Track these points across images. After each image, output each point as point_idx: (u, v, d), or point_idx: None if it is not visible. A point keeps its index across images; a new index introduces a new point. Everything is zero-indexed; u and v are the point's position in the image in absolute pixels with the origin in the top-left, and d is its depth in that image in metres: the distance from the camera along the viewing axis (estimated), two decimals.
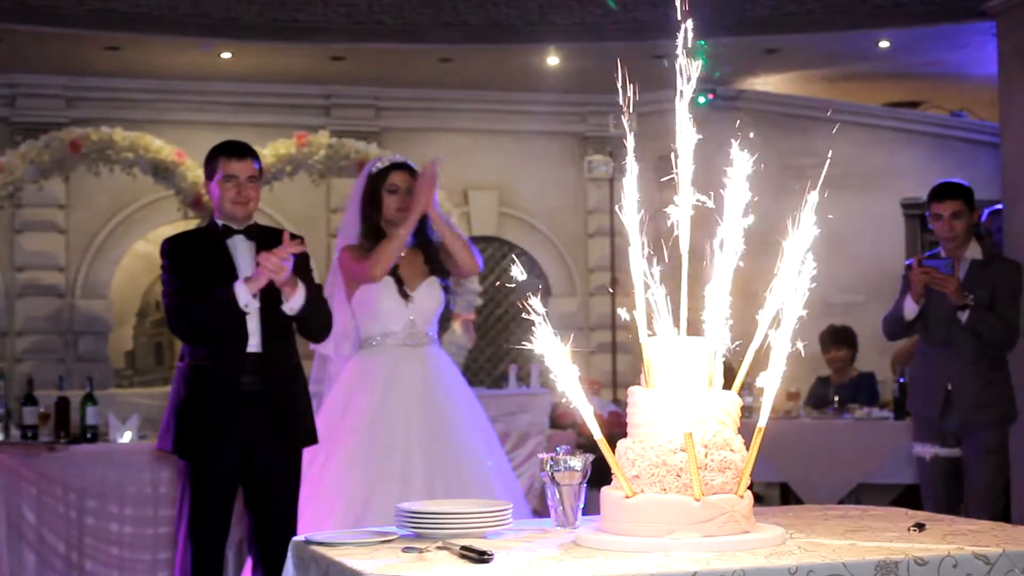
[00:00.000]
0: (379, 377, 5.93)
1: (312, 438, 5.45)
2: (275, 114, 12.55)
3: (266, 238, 5.39)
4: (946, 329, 6.30)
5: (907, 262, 6.67)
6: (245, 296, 5.18)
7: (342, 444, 5.80)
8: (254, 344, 5.27)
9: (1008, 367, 6.41)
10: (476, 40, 11.40)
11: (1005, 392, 6.38)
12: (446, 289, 6.10)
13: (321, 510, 5.63)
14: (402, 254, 6.03)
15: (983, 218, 8.04)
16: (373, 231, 6.05)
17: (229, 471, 5.25)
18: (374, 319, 5.97)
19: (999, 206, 8.34)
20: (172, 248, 5.37)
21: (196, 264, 5.29)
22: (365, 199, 6.07)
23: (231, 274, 5.25)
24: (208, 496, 5.21)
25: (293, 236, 5.30)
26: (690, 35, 3.19)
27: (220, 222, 5.40)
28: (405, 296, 5.96)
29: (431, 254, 6.08)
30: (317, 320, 5.46)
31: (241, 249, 5.35)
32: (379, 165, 6.15)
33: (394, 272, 5.98)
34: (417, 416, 5.89)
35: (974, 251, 6.38)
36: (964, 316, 6.23)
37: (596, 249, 13.65)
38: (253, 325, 5.27)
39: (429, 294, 6.04)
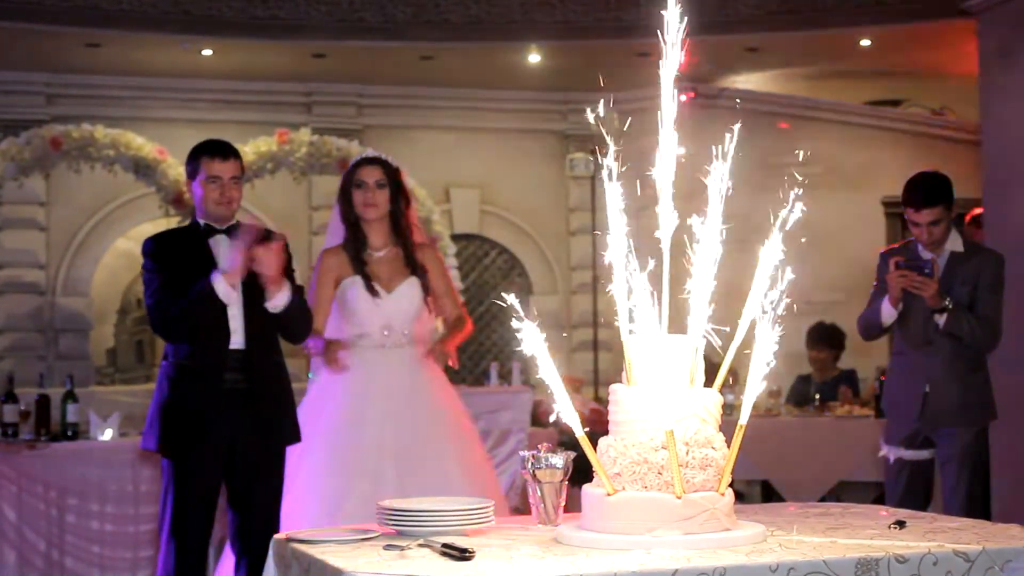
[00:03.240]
0: (353, 378, 5.88)
1: (295, 436, 5.44)
2: (256, 111, 12.54)
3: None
4: (924, 330, 6.19)
5: (882, 252, 6.55)
6: (224, 287, 5.15)
7: (316, 444, 5.77)
8: (237, 341, 5.26)
9: (987, 369, 6.34)
10: (458, 38, 11.40)
11: (984, 395, 6.26)
12: (427, 289, 6.06)
13: (294, 509, 5.61)
14: (379, 254, 6.01)
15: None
16: (350, 228, 6.03)
17: (212, 469, 5.24)
18: (349, 321, 5.93)
19: (980, 211, 8.32)
20: (154, 247, 5.33)
21: (178, 263, 5.25)
22: (340, 196, 6.05)
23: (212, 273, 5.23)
24: (191, 494, 5.20)
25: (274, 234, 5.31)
26: (672, 33, 3.20)
27: (202, 222, 5.36)
28: (374, 292, 5.91)
29: (410, 254, 6.05)
30: (298, 321, 5.44)
31: (223, 248, 5.30)
32: (353, 160, 6.15)
33: (363, 272, 5.95)
34: (391, 419, 5.84)
35: (954, 242, 6.19)
36: (942, 320, 6.11)
37: (578, 247, 13.66)
38: (236, 322, 5.25)
39: (408, 294, 6.00)
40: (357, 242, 5.99)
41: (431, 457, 5.85)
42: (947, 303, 6.05)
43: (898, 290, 6.10)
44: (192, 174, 5.37)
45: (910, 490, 6.26)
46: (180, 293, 5.18)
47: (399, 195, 6.02)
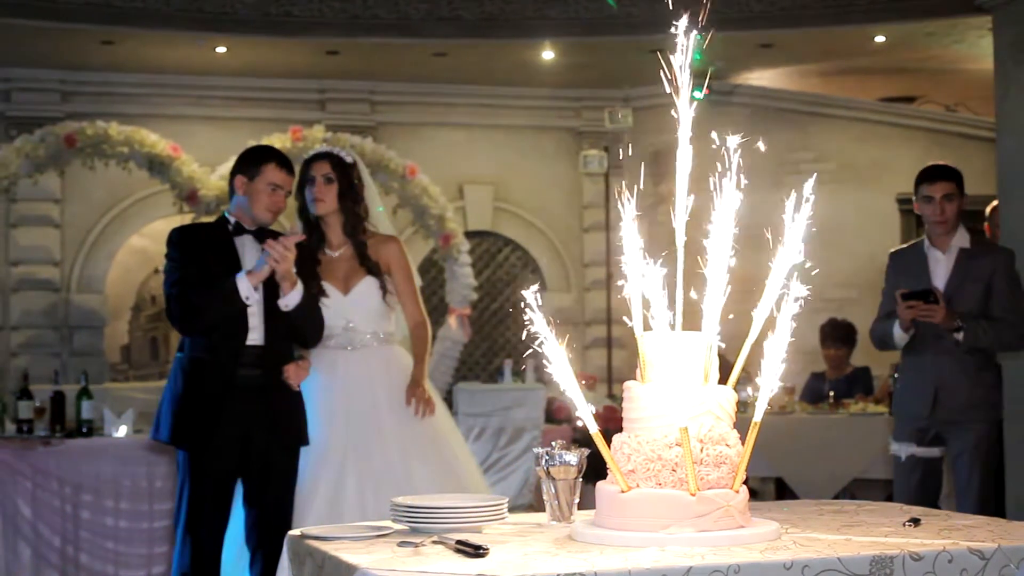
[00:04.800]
0: (318, 381, 5.76)
1: (305, 438, 5.44)
2: (270, 108, 12.56)
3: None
4: (934, 330, 6.21)
5: (891, 252, 6.58)
6: (247, 288, 5.18)
7: None
8: (255, 337, 5.27)
9: (998, 366, 6.35)
10: (471, 35, 11.40)
11: (994, 392, 6.28)
12: (384, 289, 5.96)
13: None
14: (336, 253, 5.98)
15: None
16: (307, 227, 5.98)
17: (227, 461, 5.25)
18: None
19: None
20: (180, 238, 5.35)
21: (202, 257, 5.28)
22: (296, 194, 5.93)
23: (236, 271, 5.25)
24: (207, 486, 5.21)
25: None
26: (686, 30, 3.19)
27: (233, 219, 5.39)
28: (322, 293, 5.79)
29: (364, 254, 5.96)
30: (310, 323, 5.44)
31: (249, 248, 5.35)
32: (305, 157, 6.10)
33: (313, 275, 5.76)
34: (353, 422, 5.80)
35: (962, 238, 6.25)
36: (960, 337, 6.13)
37: (591, 244, 13.65)
38: (256, 319, 5.27)
39: (367, 293, 5.93)
40: (313, 241, 5.86)
41: (394, 460, 5.78)
42: (959, 322, 6.07)
43: (908, 320, 6.15)
44: (250, 174, 5.38)
45: (920, 487, 6.26)
46: (202, 286, 5.20)
47: (349, 191, 5.92)
